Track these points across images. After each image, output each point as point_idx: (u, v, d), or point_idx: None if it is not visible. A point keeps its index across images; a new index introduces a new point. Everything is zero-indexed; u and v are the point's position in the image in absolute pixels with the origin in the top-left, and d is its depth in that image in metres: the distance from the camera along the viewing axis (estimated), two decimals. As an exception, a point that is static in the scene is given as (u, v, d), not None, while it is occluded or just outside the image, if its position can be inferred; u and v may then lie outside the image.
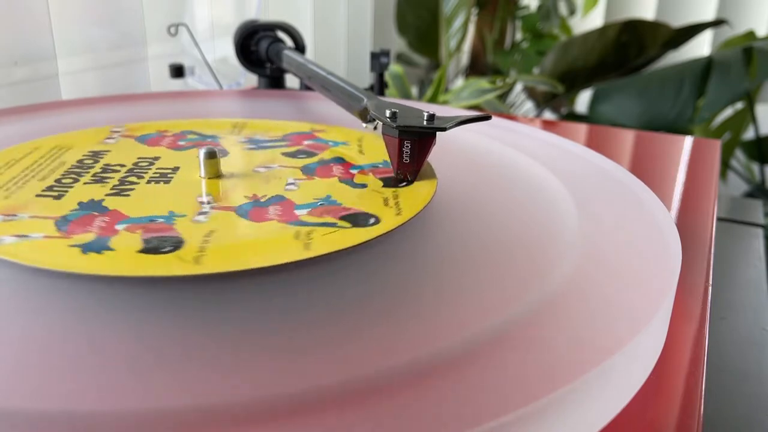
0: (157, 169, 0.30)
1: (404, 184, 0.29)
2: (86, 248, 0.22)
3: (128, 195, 0.27)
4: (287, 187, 0.29)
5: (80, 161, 0.31)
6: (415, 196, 0.27)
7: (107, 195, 0.27)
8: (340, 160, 0.32)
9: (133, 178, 0.29)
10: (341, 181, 0.30)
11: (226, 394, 0.16)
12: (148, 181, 0.29)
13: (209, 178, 0.29)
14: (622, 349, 0.18)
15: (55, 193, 0.27)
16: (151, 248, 0.22)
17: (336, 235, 0.23)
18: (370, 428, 0.15)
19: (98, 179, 0.29)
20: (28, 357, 0.17)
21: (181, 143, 0.35)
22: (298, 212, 0.26)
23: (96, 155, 0.32)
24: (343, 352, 0.18)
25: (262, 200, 0.27)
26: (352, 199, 0.27)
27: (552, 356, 0.18)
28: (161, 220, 0.25)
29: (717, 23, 1.19)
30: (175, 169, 0.31)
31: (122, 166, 0.31)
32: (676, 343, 0.24)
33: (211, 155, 0.29)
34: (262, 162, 0.32)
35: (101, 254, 0.22)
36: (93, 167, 0.30)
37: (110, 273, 0.20)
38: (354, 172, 0.31)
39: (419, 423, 0.15)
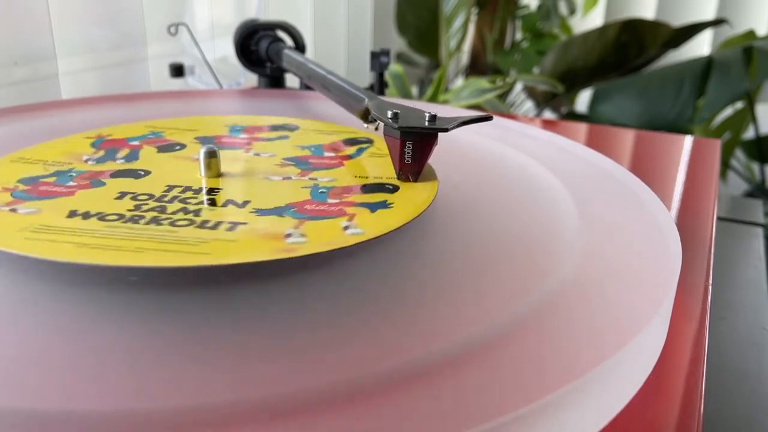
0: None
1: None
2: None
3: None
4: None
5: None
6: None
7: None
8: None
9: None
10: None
11: (226, 394, 0.16)
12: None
13: (210, 178, 0.29)
14: (622, 349, 0.18)
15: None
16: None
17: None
18: (370, 428, 0.15)
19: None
20: (28, 357, 0.17)
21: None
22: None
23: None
24: (343, 352, 0.18)
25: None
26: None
27: (552, 356, 0.18)
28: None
29: (717, 23, 1.19)
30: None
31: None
32: (676, 343, 0.24)
33: (212, 155, 0.29)
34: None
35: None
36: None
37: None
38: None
39: (419, 423, 0.15)
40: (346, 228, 0.24)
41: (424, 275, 0.23)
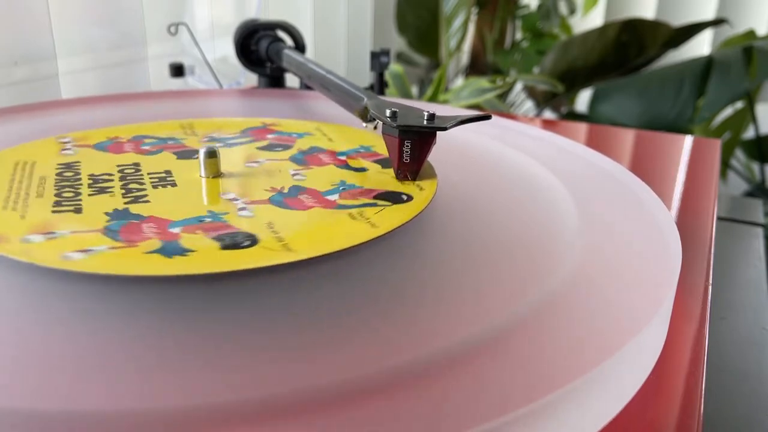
0: (149, 174, 0.30)
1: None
2: (165, 253, 0.22)
3: (148, 201, 0.26)
4: (295, 177, 0.29)
5: (60, 174, 0.29)
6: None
7: (127, 203, 0.26)
8: (319, 149, 0.33)
9: (134, 185, 0.28)
10: (339, 167, 0.30)
11: (226, 394, 0.16)
12: (155, 186, 0.28)
13: (210, 177, 0.29)
14: (622, 349, 0.18)
15: (70, 208, 0.26)
16: (229, 245, 0.22)
17: (388, 212, 0.24)
18: (370, 428, 0.15)
19: (99, 190, 0.28)
20: (28, 357, 0.17)
21: (146, 147, 0.34)
22: (330, 197, 0.27)
23: (70, 167, 0.30)
24: (342, 352, 0.18)
25: (285, 191, 0.27)
26: (368, 182, 0.28)
27: (552, 356, 0.18)
28: (209, 219, 0.25)
29: (717, 22, 1.19)
30: (168, 172, 0.30)
31: (110, 174, 0.29)
32: (676, 343, 0.24)
33: (212, 155, 0.29)
34: (246, 158, 0.32)
35: (187, 256, 0.21)
36: (80, 179, 0.29)
37: (217, 270, 0.21)
38: (343, 158, 0.32)
39: (419, 423, 0.15)
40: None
41: (423, 275, 0.23)
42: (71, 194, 0.27)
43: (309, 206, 0.26)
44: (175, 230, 0.24)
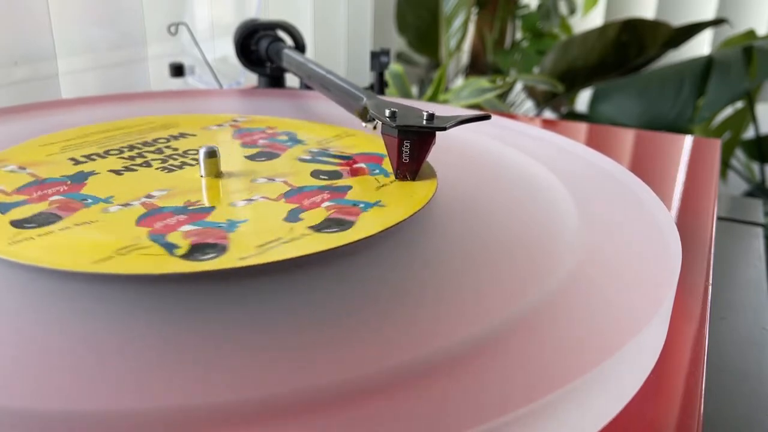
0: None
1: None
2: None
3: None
4: (237, 202, 0.27)
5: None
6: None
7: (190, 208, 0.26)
8: (342, 189, 0.30)
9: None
10: (293, 210, 0.27)
11: (226, 394, 0.16)
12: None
13: (210, 177, 0.29)
14: (622, 349, 0.18)
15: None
16: (196, 248, 0.23)
17: (143, 260, 0.22)
18: (370, 428, 0.15)
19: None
20: (27, 357, 0.17)
21: (261, 141, 0.35)
22: (181, 228, 0.25)
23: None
24: (342, 352, 0.18)
25: (189, 207, 0.26)
26: (253, 229, 0.25)
27: (552, 356, 0.18)
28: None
29: (717, 22, 1.19)
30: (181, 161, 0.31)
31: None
32: (676, 343, 0.24)
33: (211, 154, 0.29)
34: (277, 173, 0.31)
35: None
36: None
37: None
38: (326, 204, 0.29)
39: (419, 423, 0.15)
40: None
41: (423, 275, 0.23)
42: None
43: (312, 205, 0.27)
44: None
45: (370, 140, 0.36)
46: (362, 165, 0.32)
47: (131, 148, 0.33)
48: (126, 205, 0.26)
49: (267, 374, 0.17)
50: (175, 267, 0.21)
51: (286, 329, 0.19)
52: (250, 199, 0.27)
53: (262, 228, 0.24)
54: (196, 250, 0.22)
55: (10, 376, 0.16)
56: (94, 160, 0.31)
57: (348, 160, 0.33)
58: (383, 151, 0.33)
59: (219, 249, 0.22)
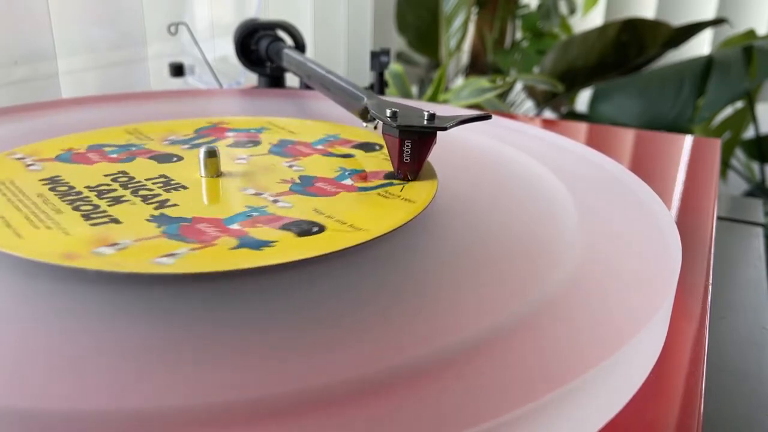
0: (148, 180, 0.29)
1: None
2: (250, 246, 0.22)
3: (177, 205, 0.26)
4: (294, 169, 0.30)
5: (54, 189, 0.28)
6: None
7: (157, 209, 0.26)
8: (290, 142, 0.34)
9: (144, 192, 0.27)
10: (325, 155, 0.32)
11: (225, 394, 0.16)
12: (168, 191, 0.28)
13: (210, 177, 0.29)
14: (622, 349, 0.18)
15: (105, 219, 0.25)
16: (302, 232, 0.23)
17: (409, 189, 0.26)
18: (369, 428, 0.15)
19: (114, 200, 0.27)
20: (27, 357, 0.17)
21: (114, 155, 0.32)
22: (345, 182, 0.28)
23: (56, 182, 0.29)
24: (342, 351, 0.18)
25: (298, 182, 0.28)
26: (364, 165, 0.30)
27: (552, 356, 0.18)
28: (255, 213, 0.25)
29: (717, 22, 1.19)
30: (164, 176, 0.30)
31: (108, 185, 0.28)
32: (676, 342, 0.24)
33: (212, 154, 0.29)
34: (227, 157, 0.32)
35: (273, 247, 0.22)
36: (80, 192, 0.27)
37: (325, 251, 0.22)
38: (320, 147, 0.33)
39: (419, 423, 0.15)
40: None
41: (423, 275, 0.23)
42: (89, 207, 0.26)
43: (334, 192, 0.28)
44: (234, 226, 0.24)
45: (304, 126, 0.38)
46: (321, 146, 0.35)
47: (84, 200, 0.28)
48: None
49: (267, 374, 0.17)
50: (320, 246, 0.22)
51: (286, 329, 0.19)
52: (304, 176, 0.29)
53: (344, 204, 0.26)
54: (301, 233, 0.23)
55: (10, 375, 0.16)
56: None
57: (313, 145, 0.35)
58: (327, 131, 0.36)
59: (318, 225, 0.24)
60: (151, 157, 0.32)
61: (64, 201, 0.26)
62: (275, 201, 0.27)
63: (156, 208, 0.26)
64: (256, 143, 0.35)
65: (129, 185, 0.28)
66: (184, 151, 0.33)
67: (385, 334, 0.19)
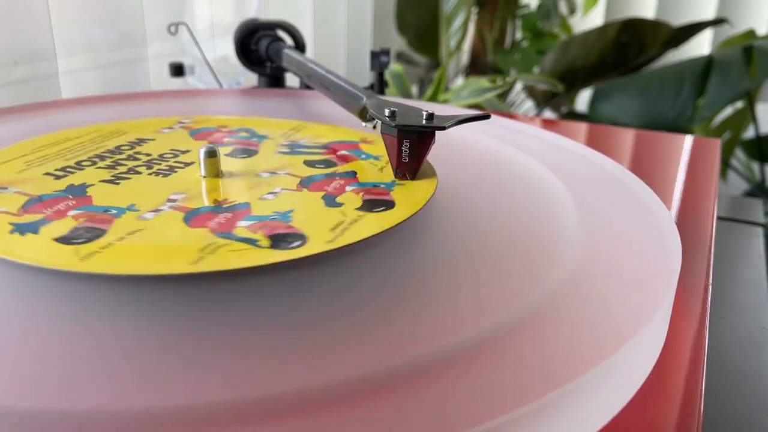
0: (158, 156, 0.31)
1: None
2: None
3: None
4: (265, 196, 0.27)
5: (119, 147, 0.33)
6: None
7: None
8: (350, 175, 0.30)
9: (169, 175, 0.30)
10: (325, 196, 0.28)
11: (225, 394, 0.16)
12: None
13: (210, 177, 0.29)
14: (621, 349, 0.18)
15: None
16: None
17: (237, 255, 0.22)
18: (369, 428, 0.15)
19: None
20: (28, 357, 0.17)
21: (226, 140, 0.35)
22: (239, 224, 0.24)
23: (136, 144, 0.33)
24: (342, 351, 0.18)
25: (223, 205, 0.26)
26: (307, 217, 0.25)
27: (552, 356, 0.18)
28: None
29: (717, 22, 1.19)
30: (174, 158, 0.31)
31: (124, 161, 0.31)
32: (676, 342, 0.24)
33: (212, 154, 0.29)
34: (275, 166, 0.31)
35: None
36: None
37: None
38: (350, 189, 0.28)
39: (419, 423, 0.15)
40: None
41: (423, 274, 0.23)
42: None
43: (203, 226, 0.25)
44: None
45: (331, 129, 0.37)
46: (345, 152, 0.33)
47: (101, 158, 0.32)
48: (156, 210, 0.25)
49: (267, 374, 0.17)
50: (276, 257, 0.21)
51: (286, 329, 0.19)
52: (274, 192, 0.27)
53: (315, 215, 0.25)
54: (278, 240, 0.23)
55: (10, 375, 0.16)
56: (72, 173, 0.30)
57: (326, 148, 0.34)
58: (349, 137, 0.35)
59: (298, 237, 0.23)
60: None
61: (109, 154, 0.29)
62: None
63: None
64: (331, 165, 0.33)
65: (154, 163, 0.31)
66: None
67: (385, 334, 0.19)
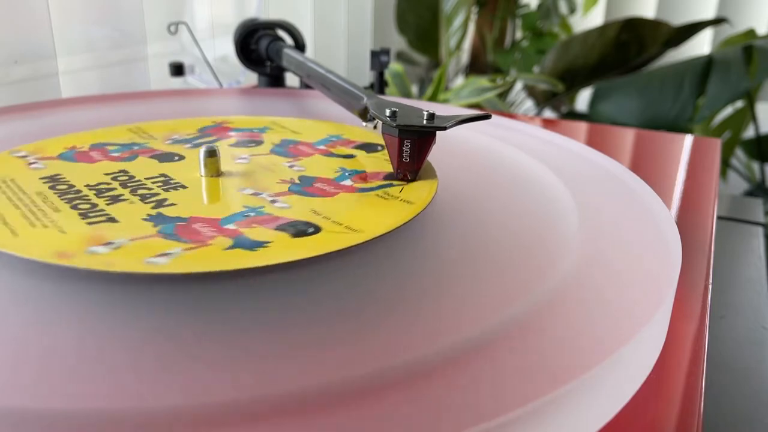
0: (147, 179, 0.29)
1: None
2: (244, 247, 0.22)
3: (174, 204, 0.26)
4: (295, 169, 0.30)
5: (54, 187, 0.28)
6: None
7: (154, 208, 0.26)
8: (292, 142, 0.34)
9: (143, 191, 0.28)
10: (326, 156, 0.32)
11: (225, 394, 0.16)
12: (166, 190, 0.28)
13: (210, 176, 0.29)
14: (621, 349, 0.18)
15: (102, 218, 0.25)
16: (298, 233, 0.23)
17: (408, 189, 0.27)
18: (370, 428, 0.15)
19: (112, 198, 0.27)
20: (28, 356, 0.17)
21: (115, 154, 0.32)
22: (344, 183, 0.28)
23: (56, 180, 0.29)
24: (342, 352, 0.18)
25: (298, 182, 0.28)
26: (365, 166, 0.30)
27: (552, 356, 0.18)
28: (252, 213, 0.25)
29: (717, 22, 1.19)
30: (164, 175, 0.30)
31: (107, 183, 0.28)
32: (676, 342, 0.24)
33: (212, 154, 0.29)
34: (228, 156, 0.32)
35: (268, 247, 0.22)
36: (80, 190, 0.28)
37: (319, 252, 0.22)
38: (322, 147, 0.33)
39: (419, 423, 0.15)
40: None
41: (423, 275, 0.23)
42: (87, 206, 0.26)
43: (333, 193, 0.28)
44: (230, 227, 0.24)
45: (307, 126, 0.38)
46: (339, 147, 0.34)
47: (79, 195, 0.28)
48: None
49: (267, 374, 0.17)
50: (327, 246, 0.22)
51: (284, 329, 0.19)
52: (304, 177, 0.29)
53: (342, 206, 0.26)
54: (297, 234, 0.23)
55: (10, 375, 0.16)
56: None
57: (315, 145, 0.35)
58: (330, 132, 0.36)
59: (314, 226, 0.24)
60: (152, 156, 0.32)
61: (62, 199, 0.26)
62: (273, 201, 0.27)
63: (153, 207, 0.26)
64: (258, 143, 0.35)
65: (128, 184, 0.28)
66: (187, 151, 0.33)
67: (385, 334, 0.19)
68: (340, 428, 0.15)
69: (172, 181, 0.29)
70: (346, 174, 0.30)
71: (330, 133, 0.37)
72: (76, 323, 0.19)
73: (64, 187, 0.28)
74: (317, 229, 0.24)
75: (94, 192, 0.27)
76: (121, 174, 0.30)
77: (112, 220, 0.25)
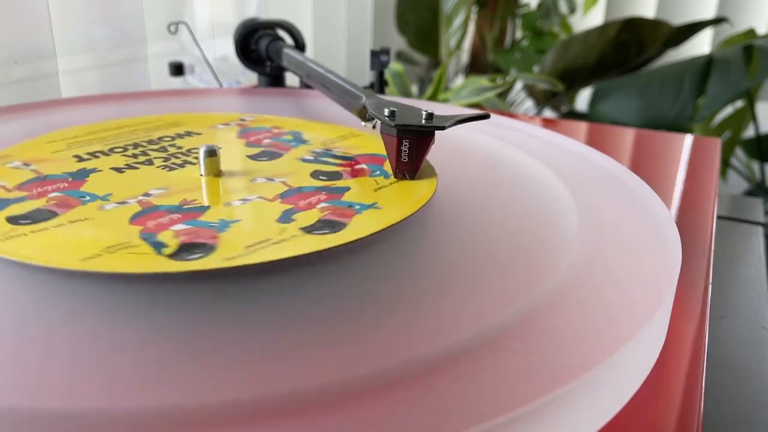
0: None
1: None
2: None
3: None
4: (233, 202, 0.28)
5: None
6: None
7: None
8: (340, 191, 0.30)
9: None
10: (287, 210, 0.27)
11: (224, 394, 0.16)
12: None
13: (210, 176, 0.29)
14: (621, 349, 0.18)
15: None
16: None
17: (130, 258, 0.22)
18: (370, 428, 0.15)
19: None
20: (28, 356, 0.17)
21: (266, 141, 0.35)
22: (173, 227, 0.25)
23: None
24: (342, 351, 0.18)
25: (184, 206, 0.26)
26: (243, 230, 0.25)
27: (552, 356, 0.18)
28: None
29: (717, 21, 1.19)
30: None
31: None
32: (676, 342, 0.24)
33: (211, 153, 0.29)
34: (277, 173, 0.31)
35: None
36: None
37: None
38: (322, 206, 0.28)
39: (419, 423, 0.15)
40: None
41: (423, 275, 0.23)
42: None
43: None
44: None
45: (374, 141, 0.36)
46: (363, 166, 0.32)
47: (136, 146, 0.33)
48: (122, 203, 0.26)
49: (267, 374, 0.17)
50: (160, 267, 0.21)
51: (284, 329, 0.19)
52: (246, 199, 0.27)
53: (254, 228, 0.24)
54: (183, 250, 0.22)
55: (10, 375, 0.16)
56: (98, 157, 0.31)
57: (350, 160, 0.32)
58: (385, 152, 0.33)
59: (207, 249, 0.22)
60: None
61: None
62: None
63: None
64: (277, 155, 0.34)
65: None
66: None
67: (385, 334, 0.19)
68: (340, 428, 0.15)
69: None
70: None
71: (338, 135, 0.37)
72: (76, 323, 0.19)
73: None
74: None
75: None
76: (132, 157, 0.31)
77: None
